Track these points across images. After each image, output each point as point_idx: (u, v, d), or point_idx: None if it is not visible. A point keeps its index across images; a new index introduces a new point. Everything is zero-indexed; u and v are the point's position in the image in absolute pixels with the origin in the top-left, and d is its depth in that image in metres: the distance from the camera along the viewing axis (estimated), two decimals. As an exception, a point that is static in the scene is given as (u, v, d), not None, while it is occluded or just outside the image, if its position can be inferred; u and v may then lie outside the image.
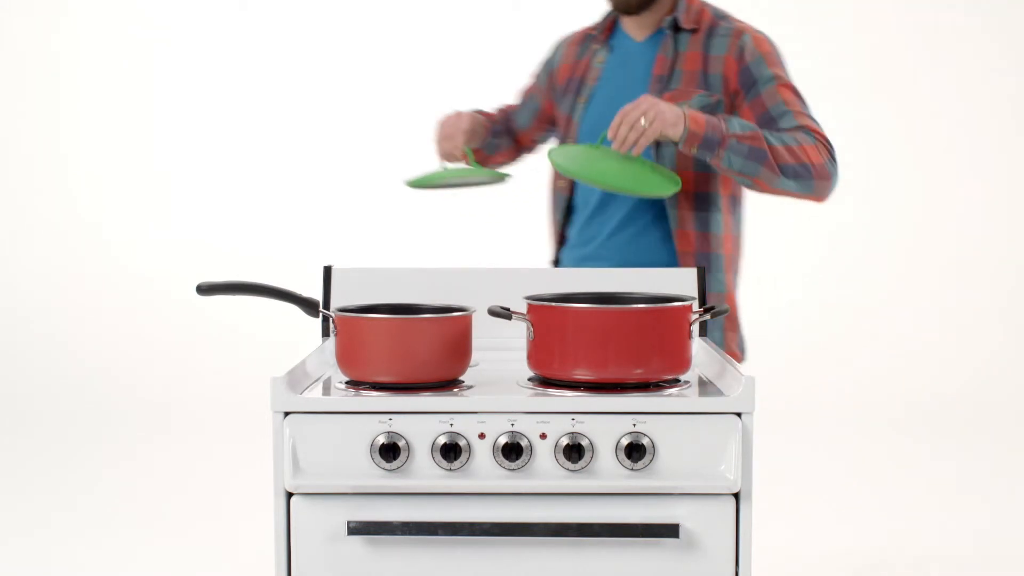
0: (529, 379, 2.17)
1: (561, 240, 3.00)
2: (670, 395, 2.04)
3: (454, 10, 7.26)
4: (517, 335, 2.42)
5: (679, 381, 2.15)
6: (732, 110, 2.81)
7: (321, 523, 1.99)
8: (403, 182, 2.82)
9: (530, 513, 1.98)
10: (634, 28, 2.92)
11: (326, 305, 2.55)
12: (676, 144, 2.65)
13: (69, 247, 7.25)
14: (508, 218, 7.08)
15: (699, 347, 2.41)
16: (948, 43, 7.12)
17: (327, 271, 2.61)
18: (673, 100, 2.79)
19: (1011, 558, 4.31)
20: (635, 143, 2.59)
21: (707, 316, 2.14)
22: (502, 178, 2.85)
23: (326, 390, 2.13)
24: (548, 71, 3.08)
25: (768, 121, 2.77)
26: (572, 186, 2.96)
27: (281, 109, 7.15)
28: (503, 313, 2.11)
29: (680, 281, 2.59)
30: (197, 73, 7.26)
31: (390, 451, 1.96)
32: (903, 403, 6.57)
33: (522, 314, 2.12)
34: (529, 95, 3.15)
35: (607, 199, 2.89)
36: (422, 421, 1.98)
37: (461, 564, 1.99)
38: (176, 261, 7.18)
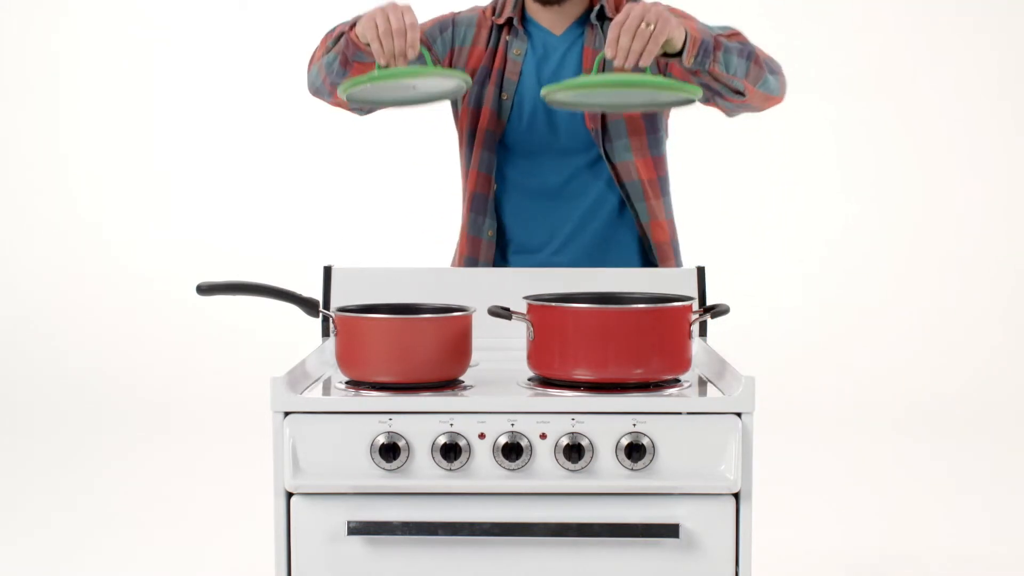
0: (529, 379, 2.17)
1: (495, 247, 2.78)
2: (670, 395, 2.04)
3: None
4: (517, 335, 2.42)
5: (679, 381, 2.14)
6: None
7: (321, 523, 1.99)
8: (340, 89, 2.37)
9: (530, 513, 1.98)
10: (550, 20, 2.75)
11: (326, 305, 2.55)
12: (678, 55, 2.38)
13: (69, 247, 7.25)
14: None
15: (699, 347, 2.41)
16: (948, 43, 7.12)
17: (327, 271, 2.61)
18: None
19: (1012, 558, 4.31)
20: (642, 51, 2.27)
21: (707, 316, 2.14)
22: (467, 82, 2.40)
23: (326, 390, 2.13)
24: (449, 47, 2.77)
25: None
26: (492, 184, 2.76)
27: (281, 109, 7.15)
28: (503, 313, 2.11)
29: (680, 281, 2.59)
30: (197, 73, 7.26)
31: (390, 451, 1.96)
32: (903, 403, 6.57)
33: (522, 314, 2.12)
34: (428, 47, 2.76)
35: (554, 197, 2.75)
36: (422, 421, 1.98)
37: (461, 564, 1.99)
38: (176, 261, 7.18)
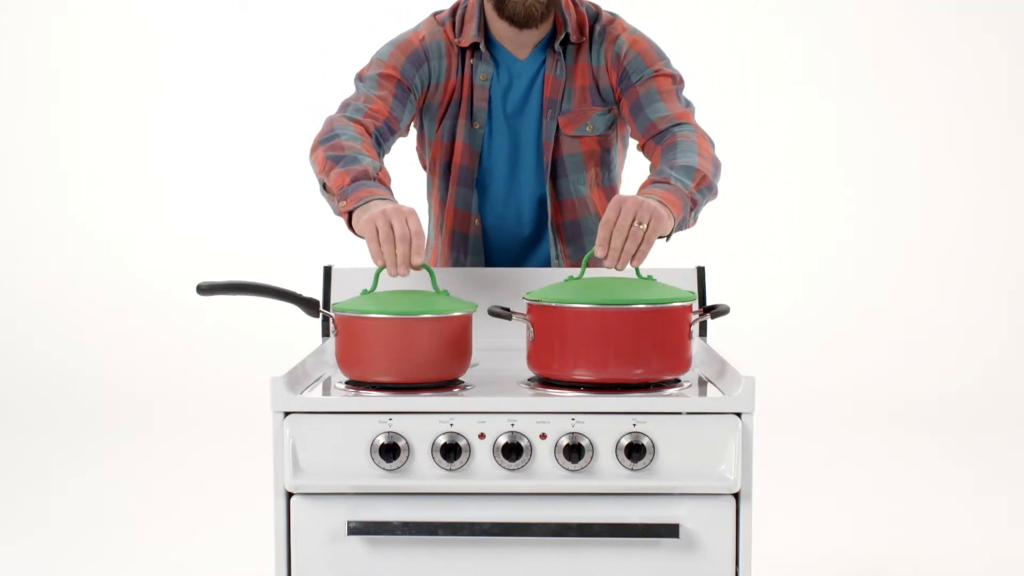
0: (529, 379, 2.17)
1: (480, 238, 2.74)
2: (670, 395, 2.04)
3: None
4: (517, 335, 2.42)
5: (679, 381, 2.14)
6: (618, 115, 2.67)
7: (321, 523, 1.99)
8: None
9: (530, 513, 1.98)
10: (514, 43, 2.63)
11: (326, 305, 2.55)
12: (666, 237, 2.30)
13: (68, 247, 7.25)
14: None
15: (699, 347, 2.41)
16: (949, 43, 7.12)
17: (327, 271, 2.61)
18: (571, 124, 2.62)
19: (1012, 558, 4.31)
20: (635, 252, 2.16)
21: (707, 316, 2.14)
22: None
23: (326, 390, 2.13)
24: (425, 84, 2.64)
25: (636, 107, 2.58)
26: (472, 220, 2.70)
27: (281, 109, 7.15)
28: (503, 313, 2.11)
29: (680, 281, 2.59)
30: (197, 73, 7.26)
31: (390, 451, 1.96)
32: (904, 403, 6.57)
33: (522, 314, 2.12)
34: (403, 89, 2.61)
35: (520, 234, 2.72)
36: (422, 421, 1.98)
37: (461, 564, 1.99)
38: (176, 261, 7.18)
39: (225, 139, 7.24)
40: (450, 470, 1.97)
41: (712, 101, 7.17)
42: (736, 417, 1.98)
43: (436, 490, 1.99)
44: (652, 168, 2.54)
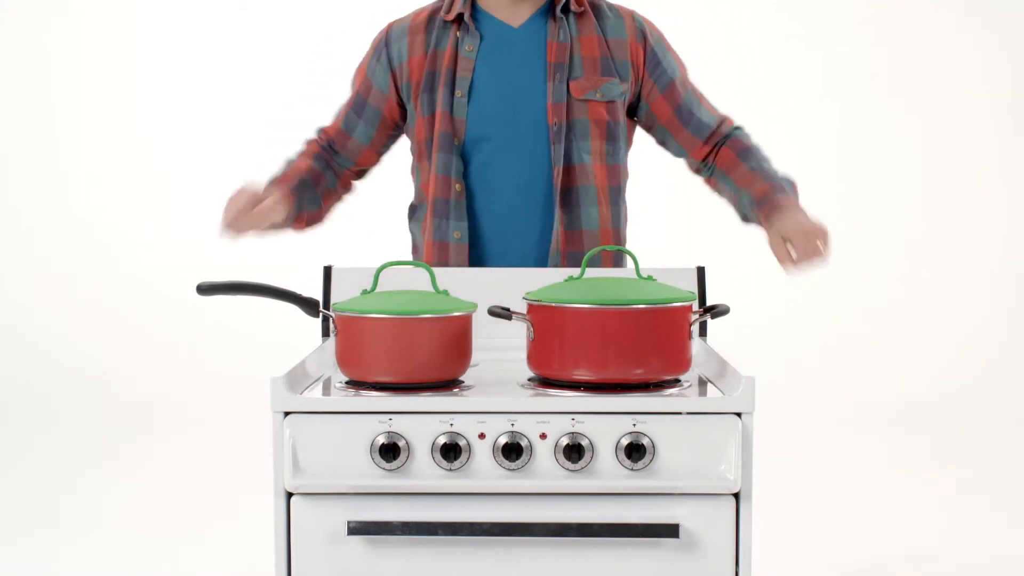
0: (529, 379, 2.17)
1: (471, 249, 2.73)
2: (670, 395, 2.04)
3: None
4: (517, 335, 2.42)
5: (679, 381, 2.14)
6: (637, 96, 2.73)
7: (321, 523, 1.99)
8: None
9: (530, 513, 1.98)
10: (507, 12, 2.68)
11: (326, 305, 2.55)
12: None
13: (68, 248, 7.25)
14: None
15: (699, 347, 2.41)
16: (949, 43, 7.12)
17: (327, 271, 2.61)
18: (581, 89, 2.65)
19: (1012, 558, 4.31)
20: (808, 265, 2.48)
21: (707, 316, 2.14)
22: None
23: (326, 390, 2.13)
24: (388, 69, 2.73)
25: (684, 112, 2.74)
26: (453, 185, 2.70)
27: (281, 109, 7.15)
28: (503, 313, 2.11)
29: (680, 281, 2.59)
30: (197, 73, 7.26)
31: (390, 451, 1.96)
32: (903, 403, 6.57)
33: (522, 314, 2.12)
34: (362, 106, 2.77)
35: (516, 199, 2.71)
36: (422, 421, 1.98)
37: (461, 564, 1.99)
38: (176, 261, 7.18)
39: (225, 139, 7.24)
40: (450, 470, 1.97)
41: (712, 102, 7.18)
42: (736, 417, 1.98)
43: (436, 490, 1.98)
44: (736, 168, 2.74)
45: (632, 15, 2.75)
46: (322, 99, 7.54)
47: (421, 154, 2.74)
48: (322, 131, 2.87)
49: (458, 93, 2.66)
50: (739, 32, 7.09)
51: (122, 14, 7.23)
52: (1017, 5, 7.12)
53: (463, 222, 2.69)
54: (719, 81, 7.18)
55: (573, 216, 2.69)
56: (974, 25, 7.12)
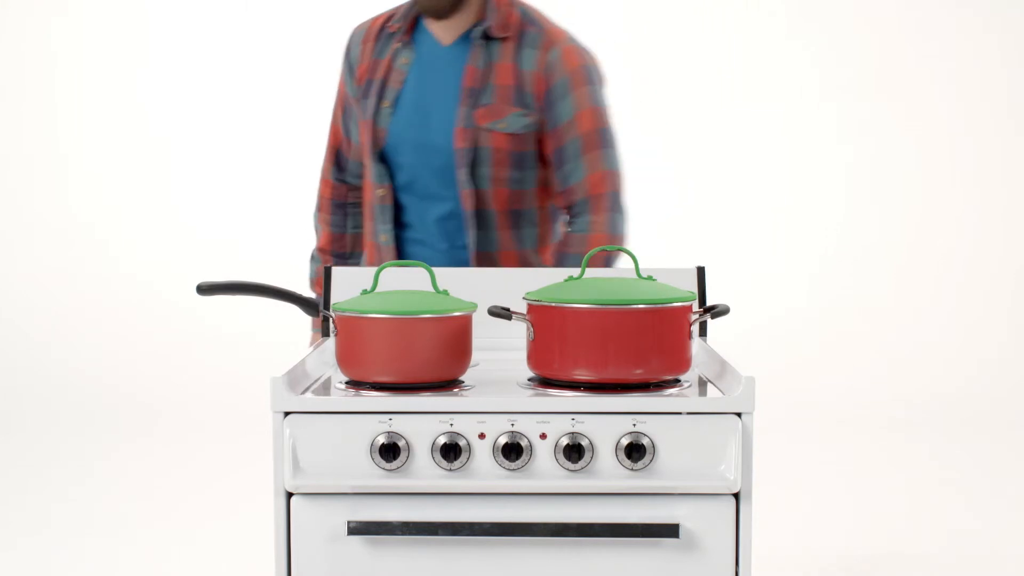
0: (529, 379, 2.17)
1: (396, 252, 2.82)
2: (670, 395, 2.04)
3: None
4: (517, 335, 2.42)
5: (679, 381, 2.14)
6: (541, 137, 2.71)
7: (321, 523, 1.99)
8: None
9: (530, 513, 1.98)
10: (440, 30, 2.73)
11: (326, 305, 2.55)
12: None
13: (68, 248, 7.26)
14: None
15: (699, 347, 2.41)
16: (949, 43, 7.12)
17: (327, 271, 2.61)
18: (487, 117, 2.66)
19: (1011, 558, 4.31)
20: None
21: (707, 316, 2.14)
22: None
23: (326, 390, 2.13)
24: (350, 71, 2.85)
25: (558, 157, 2.68)
26: (374, 190, 2.79)
27: (282, 109, 7.15)
28: (503, 313, 2.11)
29: (680, 281, 2.58)
30: (198, 72, 7.26)
31: (390, 451, 1.96)
32: (903, 403, 6.57)
33: (522, 314, 2.12)
34: (346, 104, 2.88)
35: (429, 211, 2.77)
36: (422, 421, 1.98)
37: (461, 564, 1.99)
38: (176, 261, 7.18)
39: (226, 139, 7.24)
40: (450, 470, 1.97)
41: (713, 102, 7.19)
42: (736, 417, 1.98)
43: (436, 490, 1.99)
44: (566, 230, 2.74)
45: (551, 48, 2.68)
46: (322, 99, 7.58)
47: (364, 153, 2.85)
48: (323, 180, 2.96)
49: (384, 103, 2.74)
50: (739, 32, 7.09)
51: (123, 14, 7.24)
52: (1017, 5, 7.12)
53: (388, 225, 2.77)
54: (720, 82, 7.20)
55: (481, 238, 2.74)
56: (974, 25, 7.12)
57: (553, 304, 2.09)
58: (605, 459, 1.97)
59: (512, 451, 1.96)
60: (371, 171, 2.78)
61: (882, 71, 7.14)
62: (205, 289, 2.12)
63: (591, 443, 1.97)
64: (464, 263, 2.75)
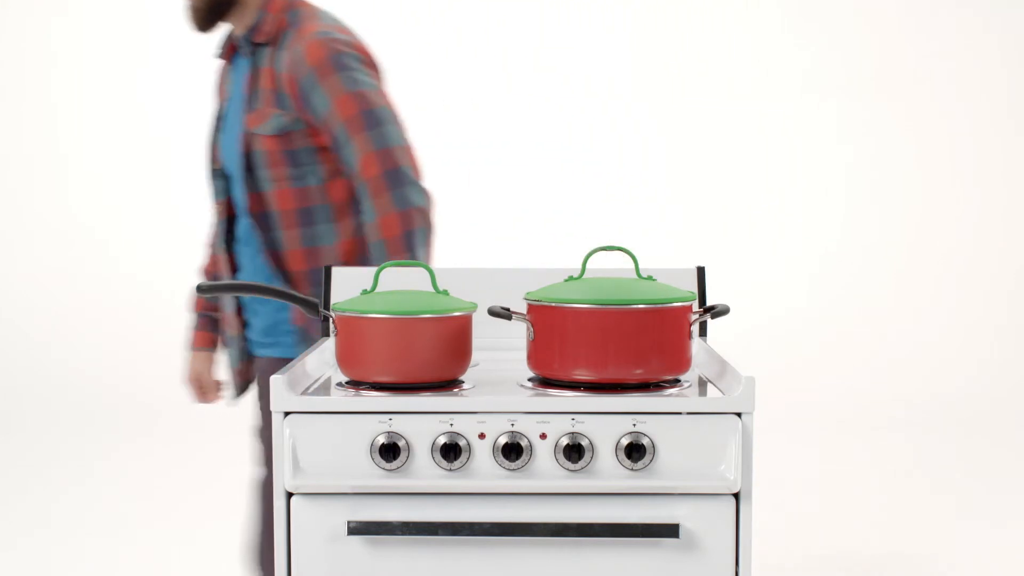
0: (529, 379, 2.17)
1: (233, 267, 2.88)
2: (670, 395, 2.04)
3: (452, 9, 7.26)
4: (517, 335, 2.42)
5: (679, 381, 2.14)
6: (313, 131, 2.71)
7: (321, 523, 1.99)
8: None
9: (530, 513, 1.98)
10: (242, 44, 2.80)
11: (326, 305, 2.55)
12: None
13: (68, 248, 7.25)
14: (508, 218, 7.09)
15: (699, 347, 2.41)
16: (949, 43, 7.12)
17: (327, 271, 2.61)
18: (255, 121, 2.71)
19: (1011, 558, 4.31)
20: None
21: (707, 316, 2.14)
22: None
23: (326, 390, 2.13)
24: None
25: (336, 153, 2.68)
26: (214, 207, 2.87)
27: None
28: (503, 313, 2.11)
29: (680, 281, 2.58)
30: (198, 72, 7.26)
31: (390, 451, 1.96)
32: (903, 403, 6.57)
33: (522, 314, 2.12)
34: None
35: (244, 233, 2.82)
36: (422, 421, 1.98)
37: (461, 564, 1.99)
38: (176, 261, 7.18)
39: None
40: (450, 470, 1.97)
41: (713, 102, 7.18)
42: (736, 417, 1.98)
43: (436, 490, 1.98)
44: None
45: (295, 46, 2.68)
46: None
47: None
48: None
49: (217, 123, 2.85)
50: (739, 32, 7.09)
51: (123, 14, 7.23)
52: (1017, 5, 7.12)
53: (221, 237, 2.87)
54: (721, 83, 7.19)
55: (269, 239, 2.76)
56: (974, 25, 7.12)
57: (553, 304, 2.09)
58: (605, 459, 1.97)
59: (512, 451, 1.96)
60: (211, 188, 2.89)
61: (882, 71, 7.14)
62: (205, 289, 2.11)
63: (591, 443, 1.97)
64: (266, 264, 2.77)
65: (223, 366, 3.02)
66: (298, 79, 2.65)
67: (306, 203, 2.73)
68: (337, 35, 2.68)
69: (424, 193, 2.66)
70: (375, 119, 2.65)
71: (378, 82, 2.70)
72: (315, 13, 2.73)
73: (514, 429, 1.98)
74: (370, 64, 2.70)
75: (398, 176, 2.64)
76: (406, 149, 2.66)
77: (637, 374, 2.06)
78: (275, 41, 2.70)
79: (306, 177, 2.73)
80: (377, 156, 2.64)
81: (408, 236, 2.64)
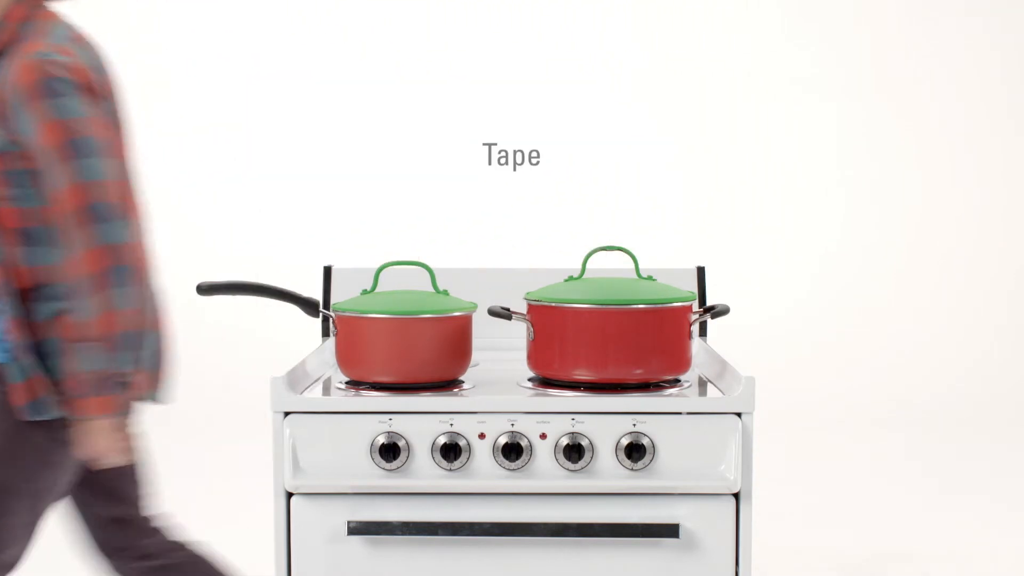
0: (529, 379, 2.17)
1: None
2: (670, 395, 2.04)
3: (452, 9, 7.26)
4: (517, 335, 2.42)
5: (679, 381, 2.14)
6: (27, 155, 2.55)
7: (321, 523, 1.99)
8: None
9: (530, 513, 1.98)
10: None
11: (326, 305, 2.55)
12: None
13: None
14: (508, 218, 7.09)
15: (699, 347, 2.41)
16: (948, 43, 7.12)
17: (327, 271, 2.61)
18: None
19: (1010, 558, 4.31)
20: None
21: (707, 316, 2.14)
22: None
23: (326, 390, 2.13)
24: None
25: (46, 177, 2.52)
26: None
27: (282, 108, 7.15)
28: (503, 313, 2.11)
29: (680, 281, 2.59)
30: (197, 72, 7.26)
31: (390, 451, 1.96)
32: (903, 403, 6.57)
33: (522, 314, 2.12)
34: None
35: None
36: (422, 421, 1.98)
37: (461, 564, 1.99)
38: (176, 261, 7.18)
39: (226, 139, 7.24)
40: (450, 470, 1.97)
41: (713, 104, 7.18)
42: (736, 417, 1.98)
43: (436, 490, 1.98)
44: None
45: (11, 65, 2.52)
46: (322, 100, 7.57)
47: None
48: None
49: None
50: (740, 32, 7.09)
51: (122, 13, 7.24)
52: (1017, 5, 7.12)
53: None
54: (721, 83, 7.19)
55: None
56: (974, 25, 7.12)
57: (553, 304, 2.09)
58: (605, 459, 1.97)
59: (512, 451, 1.96)
60: None
61: (882, 71, 7.14)
62: (205, 289, 2.12)
63: (591, 443, 1.97)
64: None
65: None
66: (8, 101, 2.49)
67: (31, 223, 2.59)
68: (56, 56, 2.53)
69: (128, 229, 2.52)
70: (79, 149, 2.52)
71: (95, 110, 2.57)
72: (47, 29, 2.59)
73: (514, 429, 1.97)
74: (89, 90, 2.57)
75: (97, 211, 2.50)
76: (110, 184, 2.53)
77: (637, 374, 2.06)
78: (6, 54, 2.53)
79: (28, 198, 2.59)
80: (78, 189, 2.50)
81: (106, 273, 2.49)
